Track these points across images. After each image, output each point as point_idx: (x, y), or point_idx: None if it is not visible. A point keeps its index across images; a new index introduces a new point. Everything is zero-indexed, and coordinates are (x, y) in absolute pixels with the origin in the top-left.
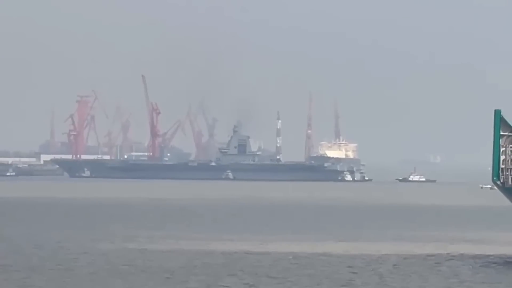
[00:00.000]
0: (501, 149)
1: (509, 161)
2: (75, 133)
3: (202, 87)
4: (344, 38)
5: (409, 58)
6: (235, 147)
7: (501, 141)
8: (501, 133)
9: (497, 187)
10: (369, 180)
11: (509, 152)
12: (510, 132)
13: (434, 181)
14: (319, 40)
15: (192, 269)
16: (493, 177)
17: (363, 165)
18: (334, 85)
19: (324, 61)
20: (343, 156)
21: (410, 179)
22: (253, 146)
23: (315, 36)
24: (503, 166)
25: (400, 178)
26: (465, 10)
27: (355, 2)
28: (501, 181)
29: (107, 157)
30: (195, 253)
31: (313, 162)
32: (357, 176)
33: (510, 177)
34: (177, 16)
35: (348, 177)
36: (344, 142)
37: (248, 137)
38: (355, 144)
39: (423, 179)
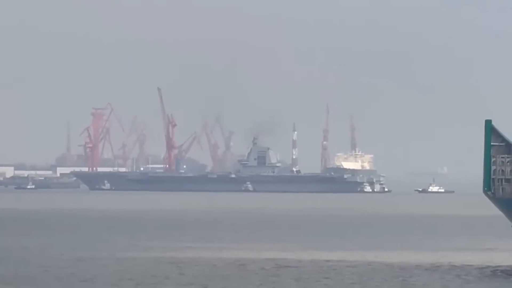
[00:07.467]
0: (492, 159)
1: (500, 171)
2: (91, 146)
3: (218, 99)
4: (359, 51)
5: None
6: (255, 159)
7: (492, 151)
8: (492, 143)
9: (488, 198)
10: (389, 191)
11: (500, 163)
12: (501, 142)
13: (453, 191)
14: (334, 53)
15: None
16: (484, 187)
17: (383, 176)
18: (350, 97)
19: (340, 73)
20: (360, 168)
21: (429, 190)
22: (273, 158)
23: (330, 49)
24: (494, 177)
25: (420, 189)
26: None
27: (370, 16)
28: (492, 191)
29: (123, 169)
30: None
31: (332, 173)
32: (377, 188)
33: (501, 187)
34: (193, 29)
35: (368, 188)
36: (360, 153)
37: (268, 149)
38: (371, 155)
39: (442, 190)
